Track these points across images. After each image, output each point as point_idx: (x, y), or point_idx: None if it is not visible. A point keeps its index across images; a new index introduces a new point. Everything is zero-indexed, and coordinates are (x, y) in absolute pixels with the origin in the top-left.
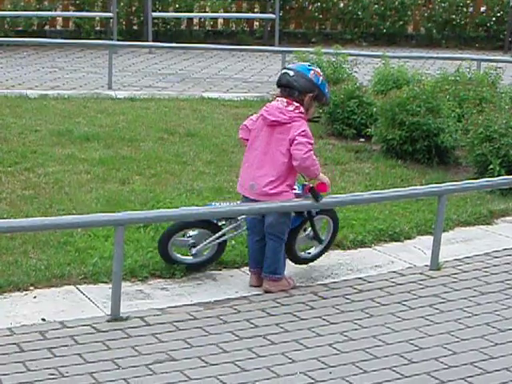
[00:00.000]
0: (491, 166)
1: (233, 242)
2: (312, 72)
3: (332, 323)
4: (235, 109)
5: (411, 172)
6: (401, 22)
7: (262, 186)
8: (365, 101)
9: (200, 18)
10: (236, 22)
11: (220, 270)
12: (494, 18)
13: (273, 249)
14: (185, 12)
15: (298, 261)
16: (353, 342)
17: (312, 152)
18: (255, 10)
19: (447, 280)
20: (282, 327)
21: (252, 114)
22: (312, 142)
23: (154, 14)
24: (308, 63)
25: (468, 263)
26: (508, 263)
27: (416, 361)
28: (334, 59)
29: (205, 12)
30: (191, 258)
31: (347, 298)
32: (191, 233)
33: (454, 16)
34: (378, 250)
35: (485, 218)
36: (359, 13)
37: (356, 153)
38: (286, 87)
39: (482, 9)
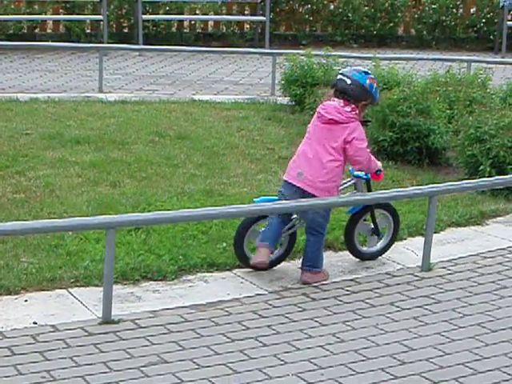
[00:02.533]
0: (482, 167)
1: (224, 243)
2: (368, 81)
3: (323, 325)
4: (226, 111)
5: (402, 173)
6: (391, 24)
7: (310, 176)
8: None
9: (190, 21)
10: (226, 25)
11: (212, 272)
12: (483, 20)
13: (313, 243)
14: (175, 14)
15: (359, 255)
16: (344, 343)
17: (370, 154)
18: (245, 12)
19: (439, 281)
20: (273, 329)
21: (243, 117)
22: (366, 142)
23: (145, 17)
24: (364, 70)
25: (459, 264)
26: (499, 263)
27: (408, 362)
28: (324, 61)
29: (195, 14)
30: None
31: (338, 300)
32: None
33: (444, 17)
34: None
35: (476, 218)
36: (349, 15)
37: None
38: (342, 93)
39: (472, 10)
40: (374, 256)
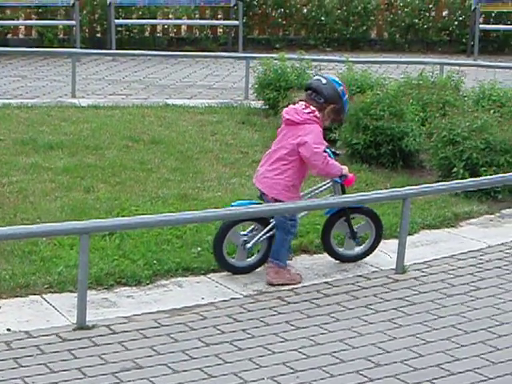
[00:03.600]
0: (455, 169)
1: (198, 248)
2: (341, 88)
3: (298, 328)
4: (200, 115)
5: (376, 176)
6: (364, 27)
7: (261, 173)
8: None
9: (163, 25)
10: (200, 29)
11: (186, 276)
12: (456, 22)
13: (278, 237)
14: (148, 19)
15: (337, 256)
16: (320, 346)
17: (327, 158)
18: (219, 16)
19: (413, 283)
20: (248, 333)
21: (216, 121)
22: (323, 146)
23: (117, 22)
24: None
25: (433, 266)
26: (473, 265)
27: (383, 364)
28: (297, 65)
29: (168, 19)
30: (248, 260)
31: (313, 303)
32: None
33: (416, 20)
34: None
35: (449, 220)
36: (322, 18)
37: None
38: (314, 92)
39: (444, 13)
40: (353, 259)
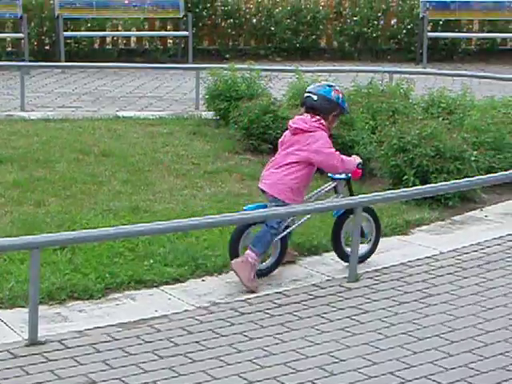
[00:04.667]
0: (406, 177)
1: (151, 260)
2: (333, 93)
3: (252, 338)
4: (151, 127)
5: None
6: (313, 37)
7: (270, 176)
8: (280, 115)
9: (113, 37)
10: (149, 40)
11: (139, 289)
12: (404, 31)
13: (263, 229)
14: (97, 31)
15: (345, 258)
16: (274, 356)
17: (341, 156)
18: (168, 27)
19: (365, 291)
20: (202, 344)
21: (167, 132)
22: (333, 149)
23: (66, 34)
24: (327, 83)
25: (386, 273)
26: (425, 272)
27: (336, 373)
28: (248, 75)
29: (117, 31)
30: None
31: (267, 313)
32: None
33: (365, 29)
34: (297, 263)
35: (401, 228)
36: (272, 28)
37: None
38: (311, 108)
39: (393, 21)
40: (360, 259)
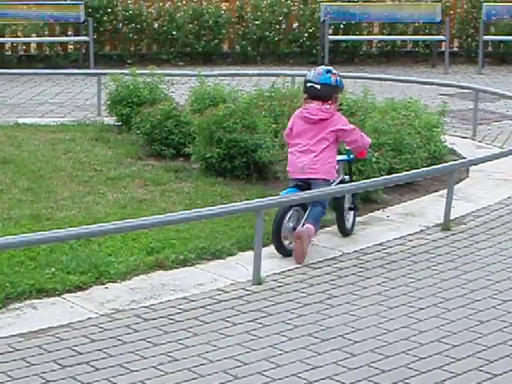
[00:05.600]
0: None
1: (53, 268)
2: (332, 78)
3: (156, 345)
4: (52, 134)
5: (231, 189)
6: (216, 41)
7: (315, 163)
8: (182, 120)
9: (12, 43)
10: (50, 46)
11: (40, 298)
12: (306, 34)
13: (317, 208)
14: None
15: (346, 232)
16: (178, 362)
17: (360, 133)
18: (69, 32)
19: (269, 294)
20: (105, 352)
21: (69, 139)
22: (353, 126)
23: None
24: (325, 68)
25: (289, 276)
26: (327, 273)
27: (241, 376)
28: (150, 80)
29: (17, 37)
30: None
31: (171, 319)
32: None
33: (267, 33)
34: (201, 268)
35: None
36: (174, 33)
37: (176, 172)
38: (317, 97)
39: (295, 25)
40: (349, 232)
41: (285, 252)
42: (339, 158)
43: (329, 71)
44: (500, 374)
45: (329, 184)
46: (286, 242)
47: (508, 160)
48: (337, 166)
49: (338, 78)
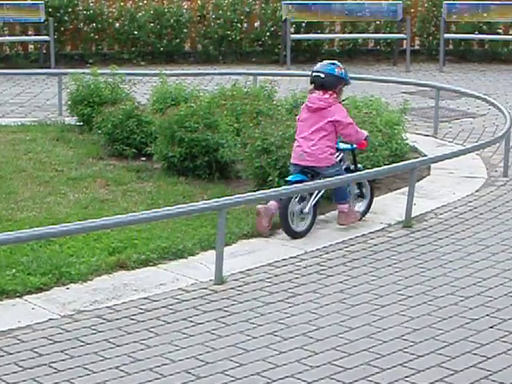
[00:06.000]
0: (270, 178)
1: (13, 269)
2: (337, 70)
3: (118, 345)
4: (12, 134)
5: (193, 188)
6: (177, 40)
7: (312, 153)
8: (144, 120)
9: None
10: (10, 46)
11: (1, 300)
12: (268, 33)
13: (339, 191)
14: None
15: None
16: (140, 362)
17: (356, 128)
18: (29, 32)
19: (231, 293)
20: (67, 354)
21: (30, 139)
22: (350, 119)
23: None
24: (330, 62)
25: (252, 275)
26: (290, 272)
27: (203, 376)
28: (111, 79)
29: None
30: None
31: (133, 319)
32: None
33: (229, 32)
34: (163, 268)
35: None
36: (135, 32)
37: (137, 172)
38: (320, 86)
39: (256, 24)
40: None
41: (292, 233)
42: (343, 146)
43: (333, 63)
44: (461, 370)
45: (333, 168)
46: (293, 225)
47: (469, 158)
48: (341, 155)
49: (343, 71)
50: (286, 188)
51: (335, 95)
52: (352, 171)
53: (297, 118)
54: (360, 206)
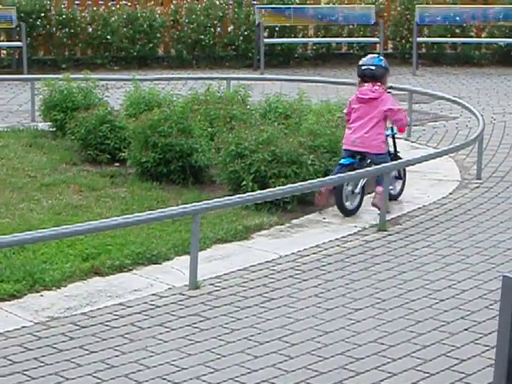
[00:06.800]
0: (244, 182)
1: None
2: (383, 61)
3: (92, 352)
4: None
5: (167, 193)
6: (151, 45)
7: (365, 139)
8: (117, 125)
9: None
10: None
11: None
12: (241, 37)
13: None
14: None
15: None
16: (114, 368)
17: (405, 113)
18: (1, 38)
19: (206, 298)
20: (40, 361)
21: (2, 145)
22: (400, 106)
23: None
24: (374, 55)
25: (226, 280)
26: (265, 276)
27: (178, 381)
28: (84, 85)
29: None
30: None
31: (107, 325)
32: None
33: (202, 36)
34: (137, 273)
35: (241, 233)
36: (108, 37)
37: (111, 178)
38: (371, 77)
39: (230, 28)
40: (397, 198)
41: (346, 212)
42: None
43: (378, 55)
44: (437, 373)
45: (383, 158)
46: (347, 203)
47: (442, 160)
48: (384, 140)
49: (386, 61)
50: (337, 176)
51: (383, 86)
52: (391, 155)
53: (345, 112)
54: (397, 186)
